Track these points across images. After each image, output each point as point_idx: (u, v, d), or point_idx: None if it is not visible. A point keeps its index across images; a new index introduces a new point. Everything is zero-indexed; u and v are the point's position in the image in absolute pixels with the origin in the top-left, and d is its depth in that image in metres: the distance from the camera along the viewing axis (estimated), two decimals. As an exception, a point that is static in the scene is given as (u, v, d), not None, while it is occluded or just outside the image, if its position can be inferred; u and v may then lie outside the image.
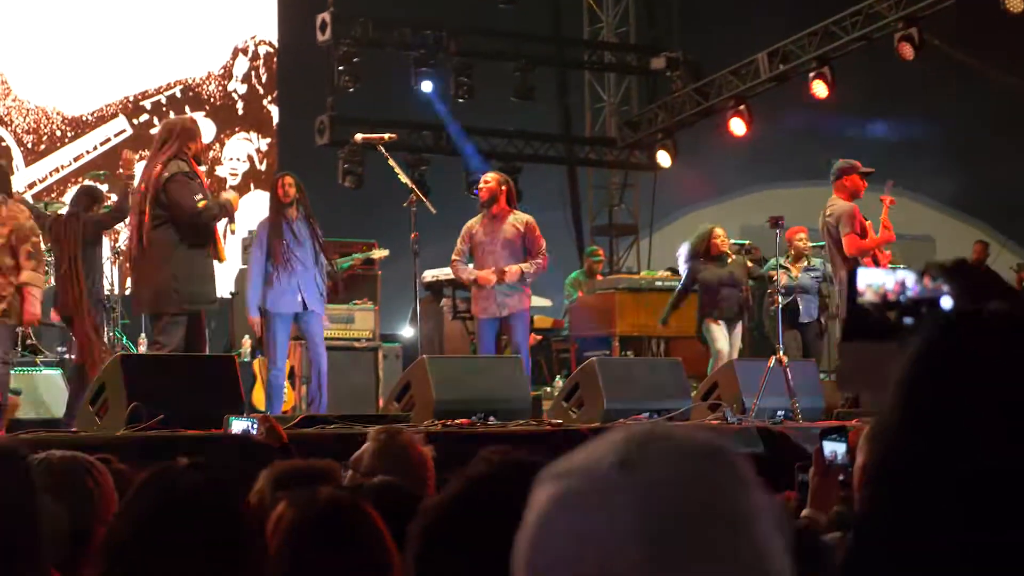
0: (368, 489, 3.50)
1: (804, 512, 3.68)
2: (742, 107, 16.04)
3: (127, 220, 9.66)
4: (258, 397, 11.47)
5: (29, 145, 15.30)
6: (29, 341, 11.53)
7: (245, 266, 12.59)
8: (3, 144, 15.12)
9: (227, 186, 9.72)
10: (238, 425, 6.65)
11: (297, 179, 10.03)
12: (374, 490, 3.51)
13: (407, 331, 13.82)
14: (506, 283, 10.55)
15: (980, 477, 1.19)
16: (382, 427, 4.67)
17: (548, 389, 13.05)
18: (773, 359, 10.00)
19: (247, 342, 12.06)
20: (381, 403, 11.65)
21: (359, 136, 11.23)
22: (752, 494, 1.22)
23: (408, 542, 2.03)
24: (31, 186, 15.13)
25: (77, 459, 3.51)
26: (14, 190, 9.44)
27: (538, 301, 13.55)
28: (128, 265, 9.24)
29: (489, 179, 10.88)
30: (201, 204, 8.91)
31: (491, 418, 8.76)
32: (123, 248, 10.26)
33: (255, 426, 6.42)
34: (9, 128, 15.20)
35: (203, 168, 9.33)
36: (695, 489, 1.19)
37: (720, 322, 11.64)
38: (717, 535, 1.18)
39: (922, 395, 1.23)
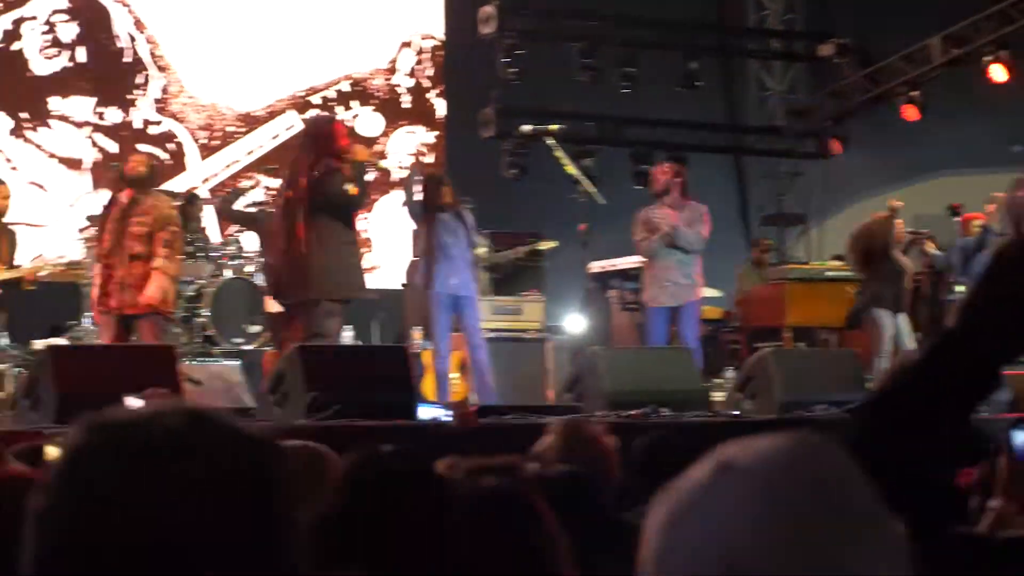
0: (546, 479, 3.46)
1: (991, 503, 3.55)
2: (914, 93, 15.67)
3: None
4: (427, 387, 11.54)
5: (203, 141, 15.62)
6: (208, 332, 11.75)
7: (417, 258, 12.69)
8: (176, 140, 15.45)
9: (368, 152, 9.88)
10: (426, 412, 6.60)
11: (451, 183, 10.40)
12: (553, 479, 3.47)
13: (574, 322, 13.77)
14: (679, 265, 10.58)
15: None
16: (566, 419, 4.64)
17: (718, 380, 12.90)
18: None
19: (418, 333, 12.14)
20: (549, 394, 11.64)
21: (527, 127, 11.25)
22: (854, 483, 1.24)
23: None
24: (206, 180, 15.45)
25: (314, 449, 3.50)
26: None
27: (707, 292, 13.41)
28: (275, 258, 9.41)
29: (666, 169, 10.86)
30: (353, 191, 9.12)
31: (663, 409, 8.70)
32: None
33: (448, 413, 6.37)
34: (184, 124, 15.53)
35: (359, 162, 9.46)
36: (792, 477, 1.21)
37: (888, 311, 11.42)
38: (824, 517, 1.20)
39: None
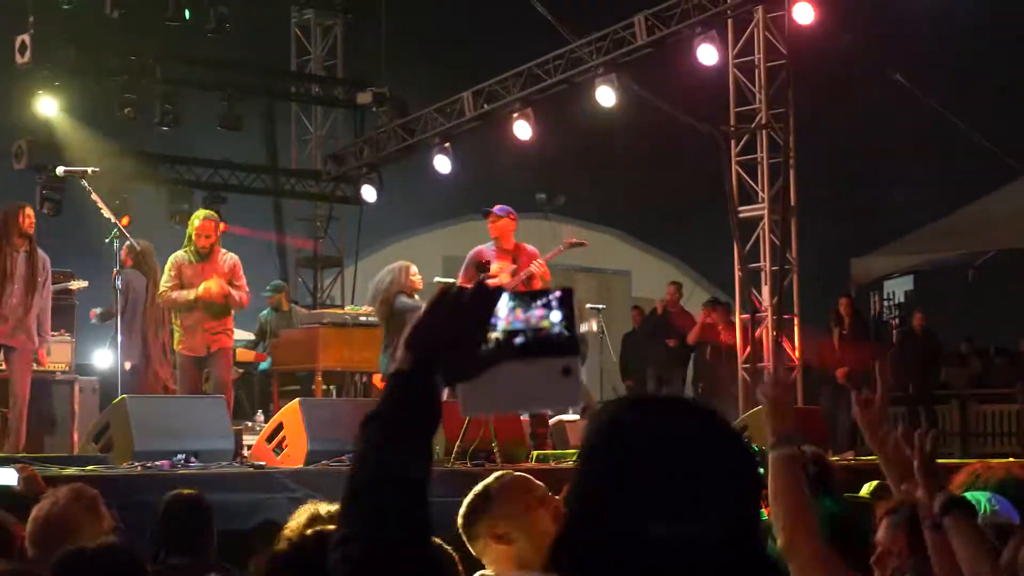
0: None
1: None
2: (447, 144, 16.32)
3: None
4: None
5: None
6: None
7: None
8: None
9: None
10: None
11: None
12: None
13: (105, 359, 13.51)
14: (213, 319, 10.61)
15: None
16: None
17: (249, 424, 12.99)
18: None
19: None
20: (76, 438, 11.44)
21: (61, 169, 11.03)
22: None
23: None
24: None
25: None
26: None
27: (242, 335, 13.49)
28: None
29: (214, 227, 10.83)
30: None
31: (193, 459, 8.74)
32: None
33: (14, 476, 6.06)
34: None
35: None
36: None
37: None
38: None
39: None
